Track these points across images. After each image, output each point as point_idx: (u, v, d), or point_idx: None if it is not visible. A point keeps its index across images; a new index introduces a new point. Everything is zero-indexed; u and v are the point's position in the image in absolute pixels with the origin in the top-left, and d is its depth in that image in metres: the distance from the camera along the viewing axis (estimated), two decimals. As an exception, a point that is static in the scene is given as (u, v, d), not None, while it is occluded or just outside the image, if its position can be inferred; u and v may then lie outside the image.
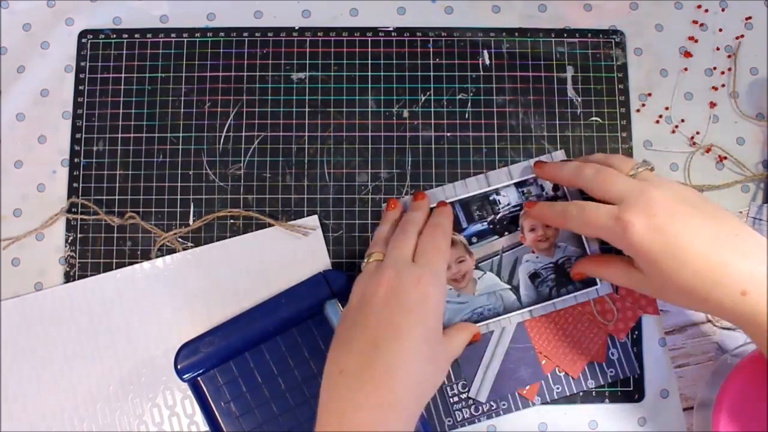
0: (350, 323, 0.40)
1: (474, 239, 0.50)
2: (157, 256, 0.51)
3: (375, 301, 0.40)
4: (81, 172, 0.52)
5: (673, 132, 0.52)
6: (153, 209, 0.51)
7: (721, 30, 0.53)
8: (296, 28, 0.54)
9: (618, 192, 0.41)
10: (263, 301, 0.47)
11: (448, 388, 0.49)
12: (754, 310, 0.36)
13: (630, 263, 0.42)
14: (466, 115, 0.52)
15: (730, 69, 0.53)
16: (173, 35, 0.53)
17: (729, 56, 0.53)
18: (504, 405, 0.49)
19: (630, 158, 0.46)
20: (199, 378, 0.47)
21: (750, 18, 0.54)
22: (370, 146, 0.52)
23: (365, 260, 0.45)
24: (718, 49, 0.53)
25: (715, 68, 0.53)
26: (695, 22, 0.54)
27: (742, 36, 0.53)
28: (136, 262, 0.51)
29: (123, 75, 0.53)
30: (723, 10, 0.54)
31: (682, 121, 0.52)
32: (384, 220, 0.48)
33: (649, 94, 0.53)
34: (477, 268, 0.49)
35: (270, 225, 0.50)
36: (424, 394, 0.40)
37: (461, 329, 0.46)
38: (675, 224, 0.38)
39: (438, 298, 0.41)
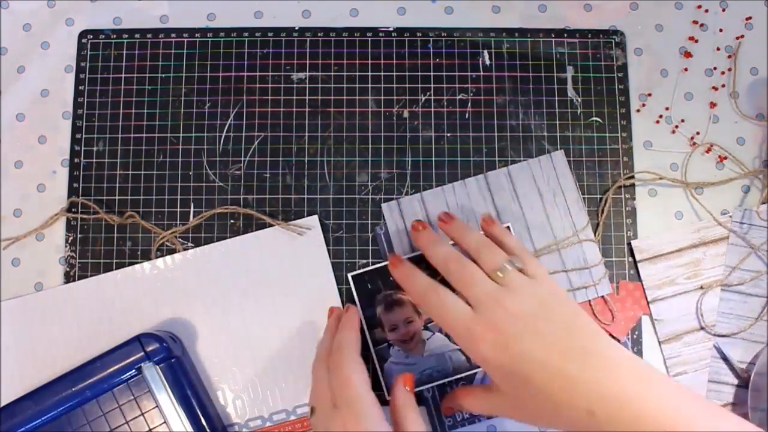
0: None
1: None
2: (157, 256, 0.51)
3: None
4: (81, 172, 0.52)
5: (673, 132, 0.52)
6: (153, 209, 0.51)
7: (721, 30, 0.53)
8: (296, 28, 0.54)
9: (474, 297, 0.40)
10: (79, 365, 0.46)
11: (448, 388, 0.49)
12: (599, 427, 0.35)
13: (489, 389, 0.41)
14: (466, 115, 0.52)
15: (730, 69, 0.53)
16: (173, 35, 0.53)
17: (729, 56, 0.53)
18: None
19: (500, 253, 0.42)
20: None
21: (750, 18, 0.54)
22: (370, 146, 0.52)
23: (310, 414, 0.42)
24: (718, 49, 0.53)
25: (715, 68, 0.53)
26: (695, 22, 0.54)
27: (743, 36, 0.53)
28: (136, 262, 0.51)
29: (123, 75, 0.53)
30: (723, 10, 0.54)
31: (682, 121, 0.52)
32: (324, 332, 0.47)
33: (649, 94, 0.53)
34: (426, 328, 0.48)
35: (270, 225, 0.50)
36: None
37: (400, 410, 0.42)
38: (522, 341, 0.37)
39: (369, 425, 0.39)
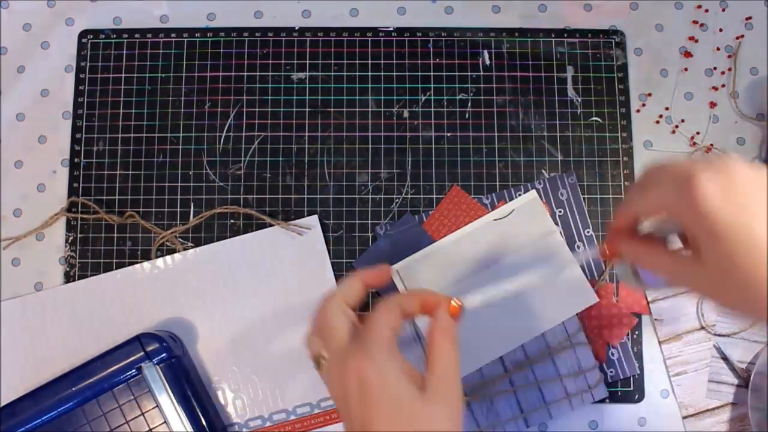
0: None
1: None
2: (157, 256, 0.51)
3: (343, 411, 0.34)
4: (81, 172, 0.52)
5: (673, 132, 0.52)
6: (153, 209, 0.51)
7: (721, 30, 0.53)
8: (296, 28, 0.54)
9: (689, 164, 0.32)
10: (79, 365, 0.46)
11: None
12: None
13: (680, 255, 0.35)
14: (466, 115, 0.52)
15: (730, 69, 0.53)
16: (173, 35, 0.53)
17: (729, 56, 0.53)
18: (504, 405, 0.49)
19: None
20: None
21: (750, 18, 0.54)
22: (370, 146, 0.52)
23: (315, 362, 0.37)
24: (718, 49, 0.53)
25: (715, 68, 0.53)
26: (695, 22, 0.54)
27: (742, 36, 0.53)
28: (136, 262, 0.50)
29: (123, 75, 0.53)
30: (723, 10, 0.54)
31: (682, 121, 0.52)
32: (348, 278, 0.40)
33: (649, 94, 0.53)
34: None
35: (270, 225, 0.50)
36: None
37: (434, 345, 0.35)
38: (757, 196, 0.31)
39: (385, 372, 0.33)
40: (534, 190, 0.51)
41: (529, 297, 0.49)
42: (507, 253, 0.49)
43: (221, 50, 0.53)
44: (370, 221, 0.51)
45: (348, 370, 0.34)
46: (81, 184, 0.52)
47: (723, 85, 0.53)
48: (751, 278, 0.31)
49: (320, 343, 0.37)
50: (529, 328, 0.48)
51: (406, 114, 0.53)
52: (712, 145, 0.52)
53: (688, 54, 0.53)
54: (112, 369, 0.46)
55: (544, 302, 0.49)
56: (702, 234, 0.32)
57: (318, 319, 0.38)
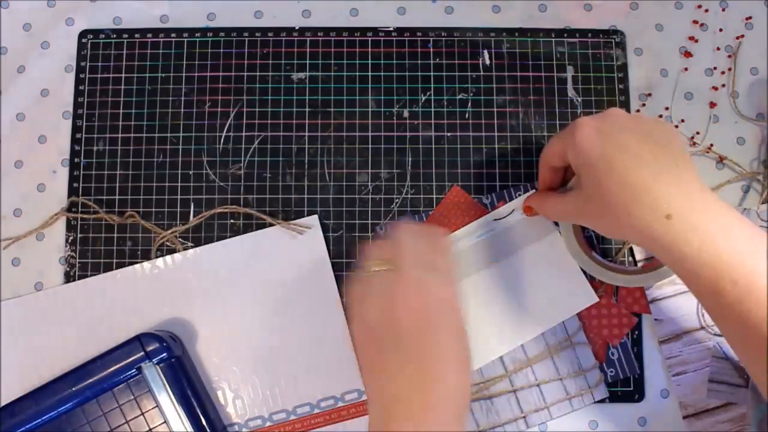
0: (379, 348, 0.38)
1: None
2: (157, 256, 0.51)
3: (403, 324, 0.37)
4: (81, 172, 0.52)
5: (673, 132, 0.52)
6: (153, 209, 0.51)
7: (721, 30, 0.53)
8: (296, 28, 0.54)
9: (579, 120, 0.40)
10: (79, 365, 0.46)
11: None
12: (674, 237, 0.35)
13: (564, 192, 0.43)
14: (466, 115, 0.52)
15: (730, 69, 0.53)
16: (173, 35, 0.53)
17: (729, 56, 0.53)
18: (504, 405, 0.49)
19: None
20: None
21: (750, 18, 0.54)
22: (370, 146, 0.52)
23: (367, 268, 0.40)
24: (718, 49, 0.53)
25: (715, 68, 0.53)
26: (695, 22, 0.54)
27: (742, 36, 0.53)
28: (136, 262, 0.51)
29: (123, 75, 0.53)
30: (723, 10, 0.54)
31: (682, 121, 0.52)
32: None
33: (649, 94, 0.53)
34: None
35: (270, 224, 0.50)
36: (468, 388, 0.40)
37: None
38: (621, 137, 0.38)
39: (459, 300, 0.39)
40: (534, 191, 0.51)
41: (528, 297, 0.49)
42: (507, 253, 0.49)
43: (221, 50, 0.53)
44: (370, 221, 0.51)
45: (436, 291, 0.38)
46: (81, 184, 0.52)
47: (723, 85, 0.53)
48: (613, 201, 0.37)
49: (395, 253, 0.40)
50: (529, 328, 0.48)
51: (406, 114, 0.53)
52: (712, 145, 0.52)
53: (688, 54, 0.53)
54: (112, 369, 0.46)
55: (543, 302, 0.49)
56: (580, 166, 0.39)
57: (399, 234, 0.41)
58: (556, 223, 0.49)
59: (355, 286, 0.40)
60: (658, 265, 0.46)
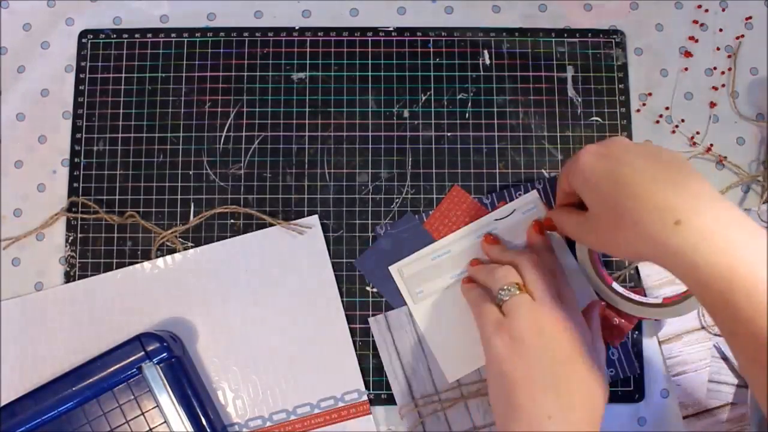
0: (529, 362, 0.40)
1: None
2: (158, 256, 0.51)
3: (560, 348, 0.40)
4: (81, 172, 0.52)
5: (673, 132, 0.52)
6: (153, 209, 0.51)
7: (721, 30, 0.53)
8: (296, 28, 0.54)
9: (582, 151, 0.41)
10: (80, 365, 0.46)
11: (448, 388, 0.49)
12: (684, 243, 0.33)
13: (578, 211, 0.42)
14: (466, 115, 0.52)
15: (730, 69, 0.53)
16: (173, 35, 0.53)
17: (729, 56, 0.53)
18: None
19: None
20: None
21: (750, 18, 0.54)
22: (370, 146, 0.52)
23: (507, 291, 0.42)
24: (718, 49, 0.53)
25: (715, 68, 0.53)
26: (695, 22, 0.54)
27: (743, 36, 0.53)
28: (137, 262, 0.51)
29: (123, 75, 0.53)
30: (723, 10, 0.54)
31: (682, 121, 0.52)
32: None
33: (649, 94, 0.53)
34: None
35: (270, 224, 0.50)
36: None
37: (592, 316, 0.45)
38: (625, 157, 0.38)
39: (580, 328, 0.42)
40: (535, 191, 0.51)
41: None
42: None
43: (221, 50, 0.53)
44: (370, 221, 0.51)
45: (579, 320, 0.41)
46: (81, 184, 0.52)
47: (723, 85, 0.53)
48: (620, 212, 0.37)
49: (530, 280, 0.42)
50: None
51: (406, 114, 0.53)
52: (711, 145, 0.52)
53: (688, 54, 0.53)
54: (112, 369, 0.46)
55: None
56: (585, 191, 0.40)
57: (532, 263, 0.44)
58: (573, 252, 0.49)
59: (489, 308, 0.43)
60: (679, 299, 0.46)
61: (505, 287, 0.42)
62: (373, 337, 0.49)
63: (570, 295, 0.43)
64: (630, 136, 0.52)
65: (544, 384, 0.38)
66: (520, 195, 0.51)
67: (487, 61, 0.53)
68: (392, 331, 0.49)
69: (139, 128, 0.52)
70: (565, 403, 0.38)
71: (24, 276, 0.51)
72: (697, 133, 0.52)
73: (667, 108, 0.53)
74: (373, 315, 0.50)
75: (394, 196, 0.51)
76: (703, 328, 0.50)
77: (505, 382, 0.39)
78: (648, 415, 0.49)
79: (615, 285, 0.47)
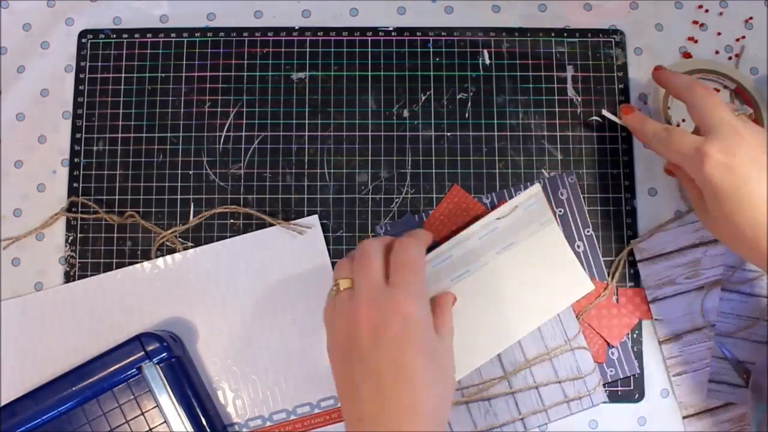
0: (347, 368, 0.39)
1: None
2: (157, 256, 0.51)
3: (362, 343, 0.38)
4: (81, 172, 0.52)
5: (673, 132, 0.52)
6: (153, 209, 0.51)
7: (721, 30, 0.53)
8: (296, 28, 0.54)
9: (717, 119, 0.41)
10: (80, 365, 0.46)
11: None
12: None
13: (701, 196, 0.43)
14: (466, 115, 0.52)
15: (730, 69, 0.53)
16: (173, 35, 0.53)
17: (729, 57, 0.53)
18: (504, 405, 0.49)
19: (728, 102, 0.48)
20: None
21: (750, 18, 0.53)
22: (370, 146, 0.52)
23: (333, 288, 0.41)
24: (717, 52, 0.53)
25: (715, 68, 0.53)
26: (695, 22, 0.53)
27: (743, 37, 0.53)
28: (137, 262, 0.51)
29: (123, 75, 0.53)
30: (723, 10, 0.54)
31: (683, 120, 0.52)
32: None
33: (650, 94, 0.53)
34: None
35: (270, 224, 0.50)
36: (445, 402, 0.39)
37: (444, 306, 0.44)
38: (750, 169, 0.38)
39: (422, 312, 0.39)
40: (538, 183, 0.50)
41: (528, 289, 0.48)
42: (504, 248, 0.49)
43: (221, 50, 0.53)
44: (370, 221, 0.51)
45: (391, 307, 0.38)
46: (81, 184, 0.52)
47: (724, 86, 0.53)
48: (741, 233, 0.39)
49: (353, 271, 0.41)
50: (530, 319, 0.48)
51: (406, 114, 0.53)
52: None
53: (687, 54, 0.53)
54: (112, 369, 0.46)
55: (540, 293, 0.48)
56: (705, 190, 0.41)
57: (358, 251, 0.42)
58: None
59: (326, 306, 0.42)
60: None
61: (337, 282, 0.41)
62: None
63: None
64: (630, 136, 0.52)
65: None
66: (520, 194, 0.51)
67: (487, 61, 0.53)
68: None
69: (139, 128, 0.52)
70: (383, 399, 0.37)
71: (24, 276, 0.51)
72: (697, 132, 0.52)
73: (668, 107, 0.53)
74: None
75: (394, 196, 0.51)
76: (702, 328, 0.49)
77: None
78: (648, 415, 0.49)
79: None
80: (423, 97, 0.53)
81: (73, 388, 0.45)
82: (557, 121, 0.52)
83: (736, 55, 0.53)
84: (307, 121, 0.52)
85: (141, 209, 0.51)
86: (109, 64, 0.53)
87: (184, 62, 0.53)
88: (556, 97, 0.52)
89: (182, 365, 0.47)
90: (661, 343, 0.49)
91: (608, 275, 0.50)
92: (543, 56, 0.53)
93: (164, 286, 0.50)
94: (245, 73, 0.53)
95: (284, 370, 0.49)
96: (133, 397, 0.46)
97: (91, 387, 0.46)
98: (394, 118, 0.52)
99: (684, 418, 0.49)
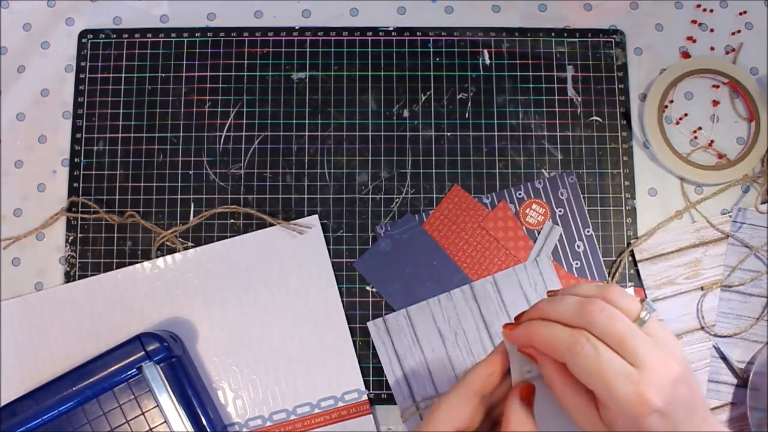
0: None
1: None
2: (158, 256, 0.51)
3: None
4: (81, 172, 0.52)
5: (677, 124, 0.52)
6: (153, 209, 0.51)
7: (720, 30, 0.53)
8: (296, 28, 0.54)
9: (639, 353, 0.32)
10: (80, 365, 0.46)
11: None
12: None
13: (589, 396, 0.33)
14: (466, 115, 0.52)
15: (730, 69, 0.53)
16: (173, 35, 0.53)
17: (726, 53, 0.53)
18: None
19: (629, 294, 0.34)
20: None
21: (750, 18, 0.53)
22: (370, 146, 0.52)
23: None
24: (712, 48, 0.53)
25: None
26: (695, 22, 0.54)
27: (738, 31, 0.53)
28: (137, 262, 0.51)
29: (123, 75, 0.53)
30: (722, 10, 0.54)
31: (686, 114, 0.52)
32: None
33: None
34: None
35: (270, 224, 0.50)
36: None
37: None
38: (680, 412, 0.32)
39: None
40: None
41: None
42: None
43: (221, 50, 0.53)
44: (370, 221, 0.51)
45: None
46: (81, 184, 0.52)
47: (724, 83, 0.53)
48: None
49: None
50: None
51: (406, 114, 0.53)
52: (712, 141, 0.52)
53: (686, 54, 0.53)
54: (112, 369, 0.46)
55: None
56: (628, 422, 0.32)
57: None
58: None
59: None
60: None
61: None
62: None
63: None
64: (630, 136, 0.52)
65: None
66: (520, 195, 0.51)
67: (487, 61, 0.53)
68: (391, 334, 0.49)
69: (139, 128, 0.52)
70: None
71: (24, 276, 0.51)
72: (699, 128, 0.52)
73: (666, 106, 0.53)
74: (373, 315, 0.50)
75: (394, 195, 0.51)
76: (702, 328, 0.50)
77: None
78: (648, 415, 0.49)
79: None
80: (423, 97, 0.53)
81: (74, 388, 0.45)
82: (557, 121, 0.52)
83: (734, 50, 0.53)
84: (307, 121, 0.52)
85: (141, 209, 0.51)
86: (109, 64, 0.53)
87: (184, 62, 0.53)
88: (556, 97, 0.52)
89: (182, 365, 0.47)
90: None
91: (608, 275, 0.50)
92: (543, 56, 0.53)
93: (164, 286, 0.50)
94: (245, 73, 0.53)
95: (284, 370, 0.49)
96: (133, 396, 0.46)
97: (92, 387, 0.46)
98: (394, 118, 0.52)
99: (684, 417, 0.49)
